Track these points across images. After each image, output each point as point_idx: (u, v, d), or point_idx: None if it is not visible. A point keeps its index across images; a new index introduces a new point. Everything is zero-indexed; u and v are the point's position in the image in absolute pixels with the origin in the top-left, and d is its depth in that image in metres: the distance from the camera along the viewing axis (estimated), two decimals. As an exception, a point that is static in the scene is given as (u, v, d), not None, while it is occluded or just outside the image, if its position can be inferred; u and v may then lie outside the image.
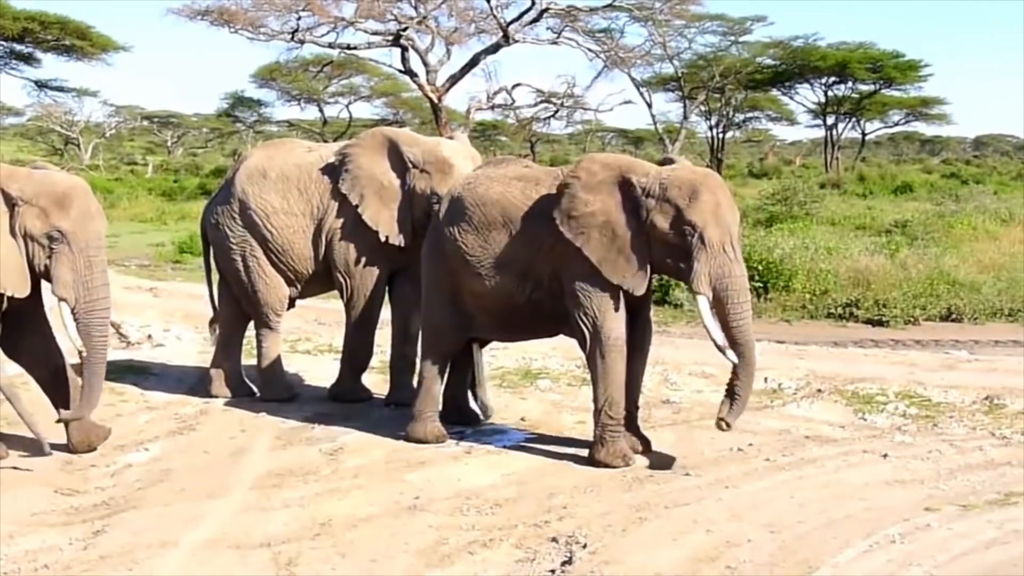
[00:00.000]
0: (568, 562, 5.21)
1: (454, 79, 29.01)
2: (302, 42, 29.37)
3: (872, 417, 7.93)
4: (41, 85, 40.72)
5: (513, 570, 5.20)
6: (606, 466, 6.62)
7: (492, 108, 33.33)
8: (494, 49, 28.71)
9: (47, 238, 6.55)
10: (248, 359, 8.76)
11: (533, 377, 9.20)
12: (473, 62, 29.01)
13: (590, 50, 30.64)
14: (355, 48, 29.92)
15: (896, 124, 54.21)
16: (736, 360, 6.38)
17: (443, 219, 7.15)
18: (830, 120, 48.17)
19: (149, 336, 10.79)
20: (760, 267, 14.01)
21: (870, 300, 13.68)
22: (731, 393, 6.46)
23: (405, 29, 28.29)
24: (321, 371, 9.18)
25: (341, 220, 8.08)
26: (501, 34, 28.24)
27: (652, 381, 8.63)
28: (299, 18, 28.32)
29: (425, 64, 28.79)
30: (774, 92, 49.03)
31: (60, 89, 42.40)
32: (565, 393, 8.70)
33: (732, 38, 41.51)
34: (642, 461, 6.75)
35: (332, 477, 6.57)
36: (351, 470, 6.69)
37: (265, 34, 28.68)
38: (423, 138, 8.42)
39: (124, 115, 57.13)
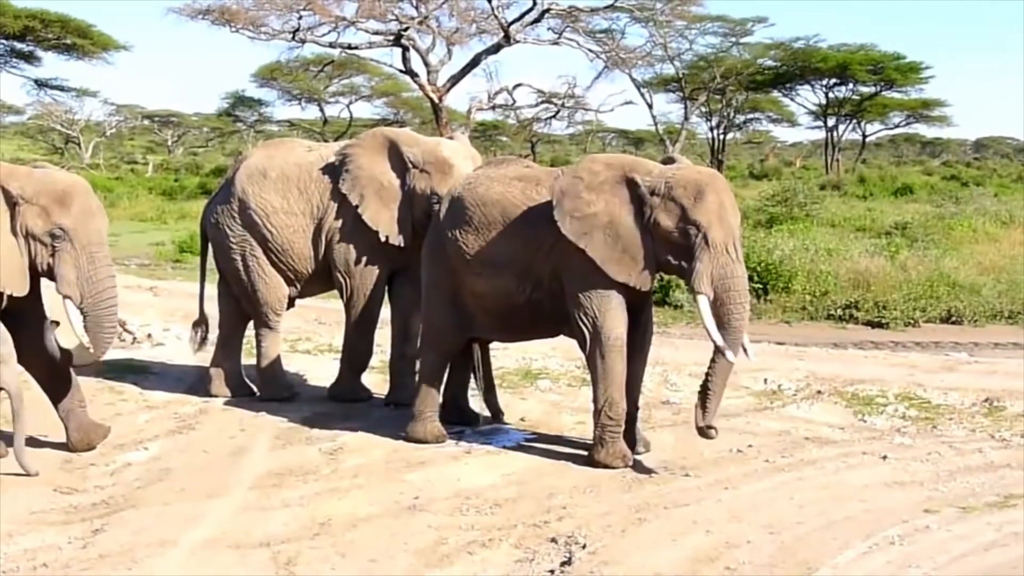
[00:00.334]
0: (567, 562, 5.21)
1: (455, 79, 29.02)
2: (303, 42, 29.40)
3: (872, 419, 7.94)
4: (41, 84, 40.80)
5: (512, 570, 5.20)
6: (606, 466, 6.62)
7: (493, 108, 33.39)
8: (495, 49, 28.72)
9: (49, 236, 6.55)
10: (248, 359, 8.76)
11: (533, 377, 9.20)
12: (474, 62, 29.04)
13: (591, 51, 30.70)
14: (356, 48, 29.95)
15: (897, 126, 54.27)
16: (734, 360, 6.41)
17: (443, 219, 7.15)
18: (831, 122, 48.20)
19: (149, 335, 10.78)
20: (760, 268, 14.01)
21: (870, 302, 13.69)
22: (704, 392, 6.44)
23: (406, 29, 28.30)
24: (321, 371, 9.18)
25: (341, 220, 8.08)
26: (502, 34, 28.25)
27: (652, 382, 8.64)
28: (300, 17, 28.38)
29: (426, 64, 28.80)
30: (775, 93, 49.06)
31: (60, 88, 42.52)
32: (565, 393, 8.70)
33: (733, 39, 41.55)
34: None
35: (332, 477, 6.57)
36: (351, 470, 6.69)
37: (266, 33, 28.71)
38: (423, 138, 8.43)
39: (125, 114, 57.13)
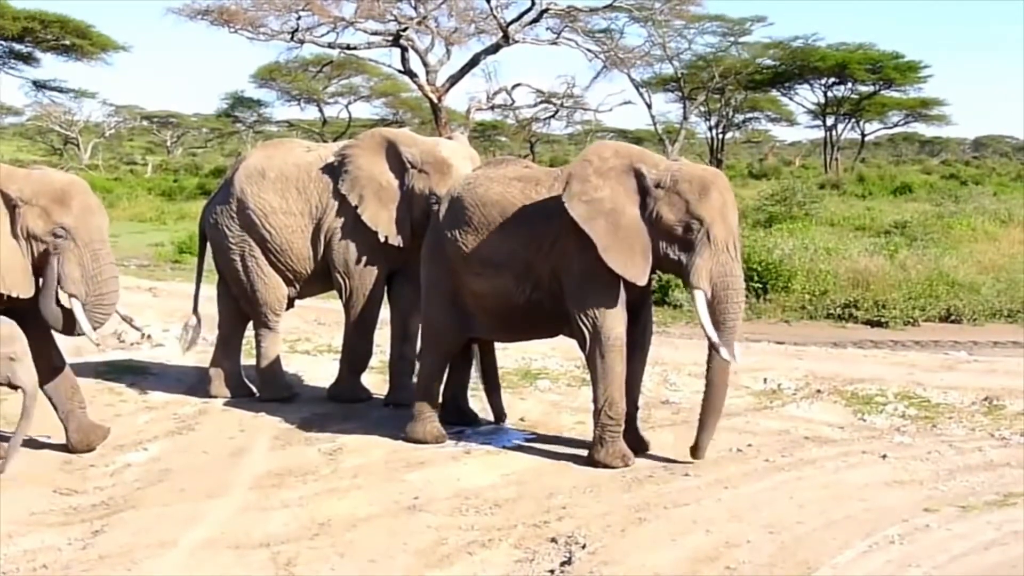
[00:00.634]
0: (567, 562, 5.21)
1: (454, 79, 29.01)
2: (302, 42, 29.38)
3: (871, 418, 7.94)
4: (40, 85, 40.77)
5: (512, 570, 5.20)
6: (605, 466, 6.61)
7: (492, 108, 33.38)
8: (494, 49, 28.71)
9: (51, 236, 6.56)
10: (247, 359, 8.75)
11: (533, 377, 9.20)
12: (473, 62, 29.02)
13: (590, 50, 30.67)
14: (355, 48, 29.92)
15: (896, 125, 54.22)
16: (731, 359, 6.42)
17: (443, 219, 7.15)
18: (829, 121, 48.18)
19: (148, 336, 10.77)
20: (759, 268, 14.01)
21: (869, 301, 13.68)
22: (705, 407, 6.68)
23: (405, 29, 28.28)
24: (320, 371, 9.18)
25: (340, 220, 8.08)
26: (501, 34, 28.23)
27: (652, 381, 8.64)
28: (299, 18, 28.34)
29: (425, 64, 28.79)
30: (774, 93, 49.07)
31: (59, 89, 42.50)
32: (565, 393, 8.70)
33: (732, 39, 41.59)
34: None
35: (331, 477, 6.57)
36: (350, 470, 6.69)
37: (265, 34, 28.69)
38: (422, 138, 8.43)
39: (124, 115, 57.13)
